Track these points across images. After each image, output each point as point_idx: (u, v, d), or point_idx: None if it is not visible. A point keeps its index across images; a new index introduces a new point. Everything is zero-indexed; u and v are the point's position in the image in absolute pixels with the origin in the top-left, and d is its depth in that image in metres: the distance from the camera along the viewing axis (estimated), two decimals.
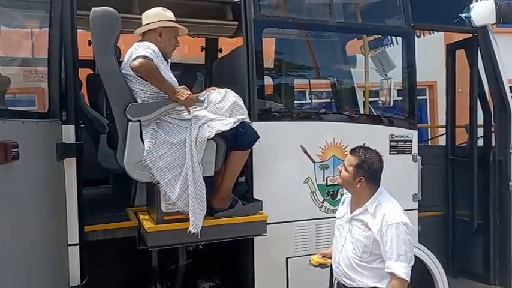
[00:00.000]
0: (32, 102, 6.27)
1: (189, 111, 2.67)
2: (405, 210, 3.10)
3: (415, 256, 3.47)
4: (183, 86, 2.71)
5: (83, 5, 2.84)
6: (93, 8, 2.71)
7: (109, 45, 2.68)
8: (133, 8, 3.89)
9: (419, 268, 3.56)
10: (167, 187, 2.62)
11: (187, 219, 2.63)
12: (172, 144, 2.65)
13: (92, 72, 4.09)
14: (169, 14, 2.88)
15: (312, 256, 2.76)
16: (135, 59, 2.56)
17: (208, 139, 2.67)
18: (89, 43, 2.92)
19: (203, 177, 2.66)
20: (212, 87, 3.03)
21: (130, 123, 2.64)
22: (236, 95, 2.89)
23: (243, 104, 2.87)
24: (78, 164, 2.70)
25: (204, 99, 2.88)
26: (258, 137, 2.91)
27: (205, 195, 2.66)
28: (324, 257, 2.74)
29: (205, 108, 2.83)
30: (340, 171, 2.55)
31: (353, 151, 2.53)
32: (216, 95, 2.87)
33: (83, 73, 3.48)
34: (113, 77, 2.68)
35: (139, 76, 2.63)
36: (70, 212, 2.66)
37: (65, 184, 2.65)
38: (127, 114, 2.63)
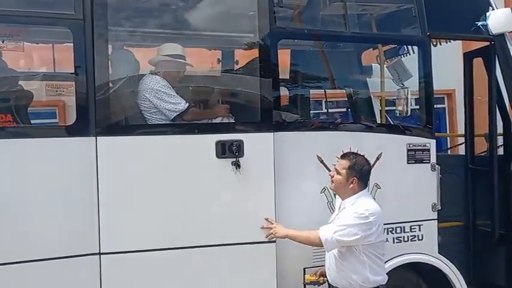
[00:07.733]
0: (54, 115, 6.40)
1: None
2: (424, 220, 3.06)
3: (436, 267, 3.45)
4: None
5: None
6: None
7: None
8: None
9: (440, 279, 3.52)
10: None
11: None
12: None
13: None
14: (162, 51, 3.37)
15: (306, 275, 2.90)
16: (174, 117, 3.11)
17: None
18: None
19: None
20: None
21: None
22: None
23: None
24: None
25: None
26: None
27: None
28: (321, 275, 2.91)
29: None
30: (333, 176, 2.79)
31: (344, 156, 2.88)
32: None
33: None
34: None
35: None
36: None
37: None
38: None
